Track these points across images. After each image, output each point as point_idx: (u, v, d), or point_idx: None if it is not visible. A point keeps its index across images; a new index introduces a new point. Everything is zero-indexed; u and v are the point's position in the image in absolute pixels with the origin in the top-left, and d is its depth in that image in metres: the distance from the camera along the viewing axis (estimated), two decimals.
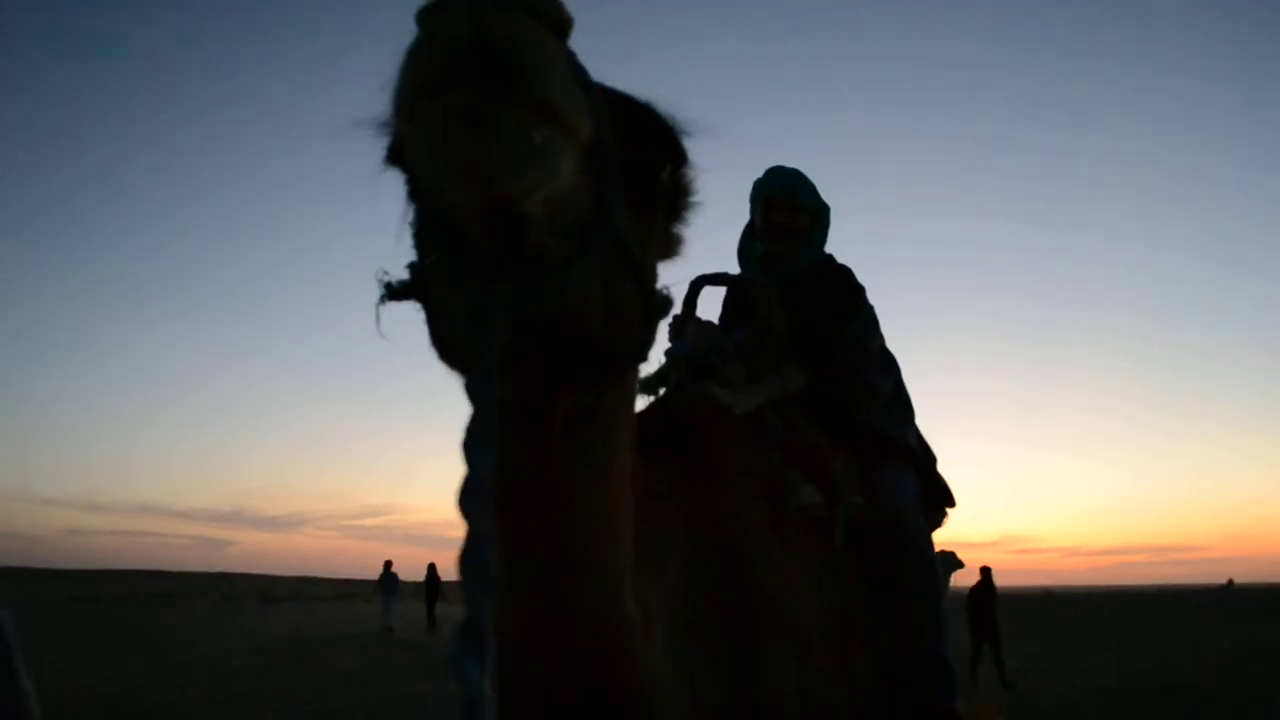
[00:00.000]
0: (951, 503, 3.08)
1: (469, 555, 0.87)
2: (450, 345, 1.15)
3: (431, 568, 31.00)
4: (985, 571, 15.78)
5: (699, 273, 2.93)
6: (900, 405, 3.09)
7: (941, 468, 3.11)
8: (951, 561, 16.27)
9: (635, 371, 1.47)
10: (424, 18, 0.95)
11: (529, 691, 1.44)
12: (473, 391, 0.98)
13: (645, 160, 1.29)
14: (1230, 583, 59.78)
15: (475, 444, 0.92)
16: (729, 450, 2.27)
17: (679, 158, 1.36)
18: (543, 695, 1.45)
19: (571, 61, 1.02)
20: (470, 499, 0.88)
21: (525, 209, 0.98)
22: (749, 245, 3.20)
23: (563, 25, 0.99)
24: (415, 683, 13.65)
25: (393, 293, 1.16)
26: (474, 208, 0.99)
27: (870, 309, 3.07)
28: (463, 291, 1.04)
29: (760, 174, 3.11)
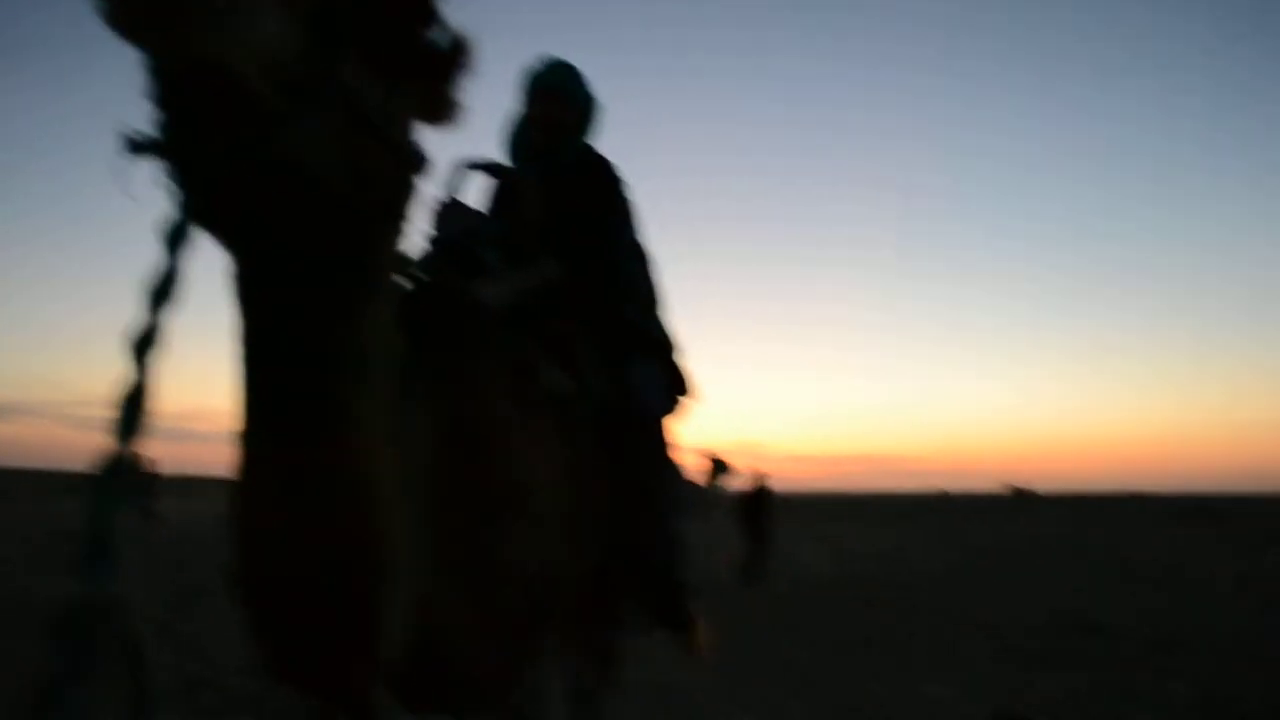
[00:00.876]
0: (694, 393, 3.23)
1: (129, 403, 0.88)
2: (208, 202, 1.16)
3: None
4: (761, 479, 16.04)
5: (465, 159, 2.92)
6: (650, 296, 3.19)
7: (686, 362, 3.25)
8: (724, 469, 16.49)
9: (391, 234, 1.49)
10: None
11: (266, 551, 1.48)
12: (167, 240, 0.98)
13: (394, 19, 1.30)
14: (944, 492, 65.82)
15: (160, 289, 0.93)
16: (481, 333, 2.33)
17: (429, 18, 1.38)
18: (286, 551, 1.48)
19: None
20: (142, 346, 0.90)
21: (236, 67, 1.00)
22: (516, 134, 3.20)
23: None
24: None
25: (135, 147, 1.13)
26: (180, 68, 1.00)
27: (629, 203, 3.14)
28: (184, 146, 1.07)
29: (533, 62, 3.10)
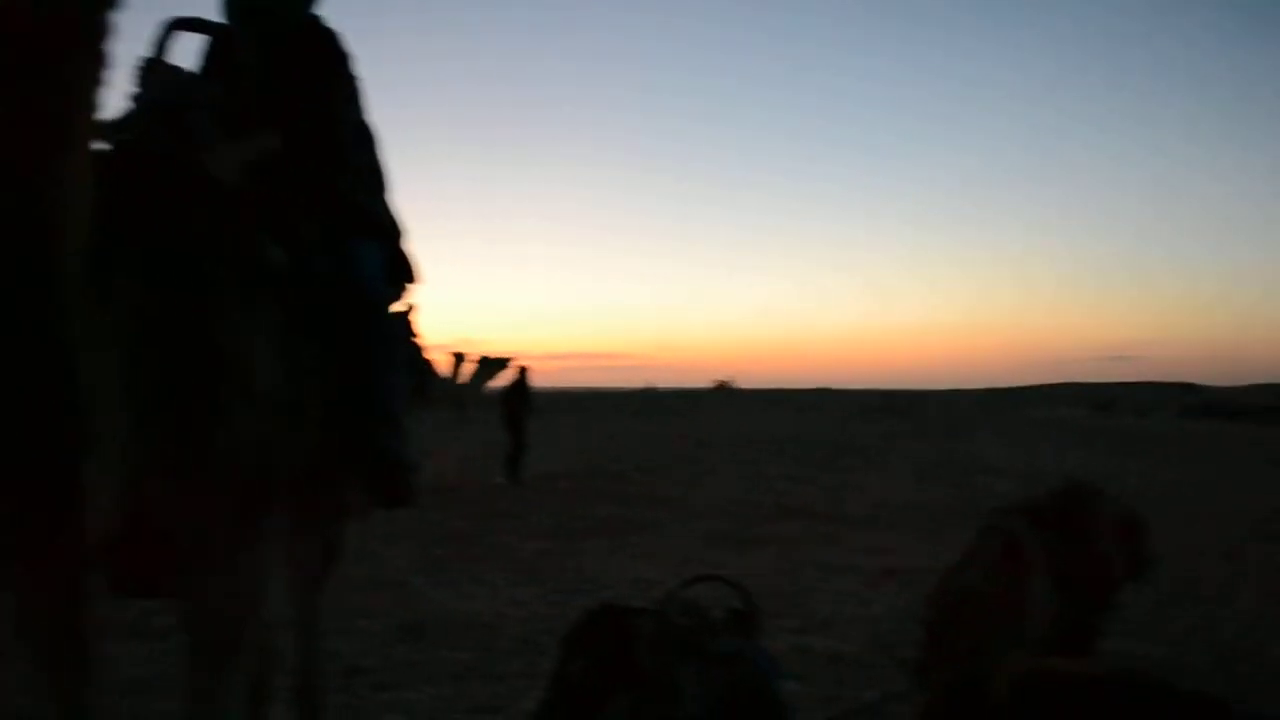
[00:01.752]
0: (415, 279, 3.21)
1: None
2: None
3: None
4: (521, 372, 15.76)
5: (174, 15, 2.70)
6: (375, 179, 3.12)
7: (410, 248, 3.22)
8: (493, 365, 15.53)
9: (82, 78, 1.41)
10: None
11: None
12: None
13: None
14: (651, 387, 68.77)
15: None
16: (193, 204, 2.21)
17: None
18: None
19: None
20: None
21: None
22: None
23: None
24: None
25: None
26: None
27: (354, 79, 3.02)
28: None
29: None
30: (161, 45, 2.63)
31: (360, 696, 4.57)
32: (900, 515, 11.35)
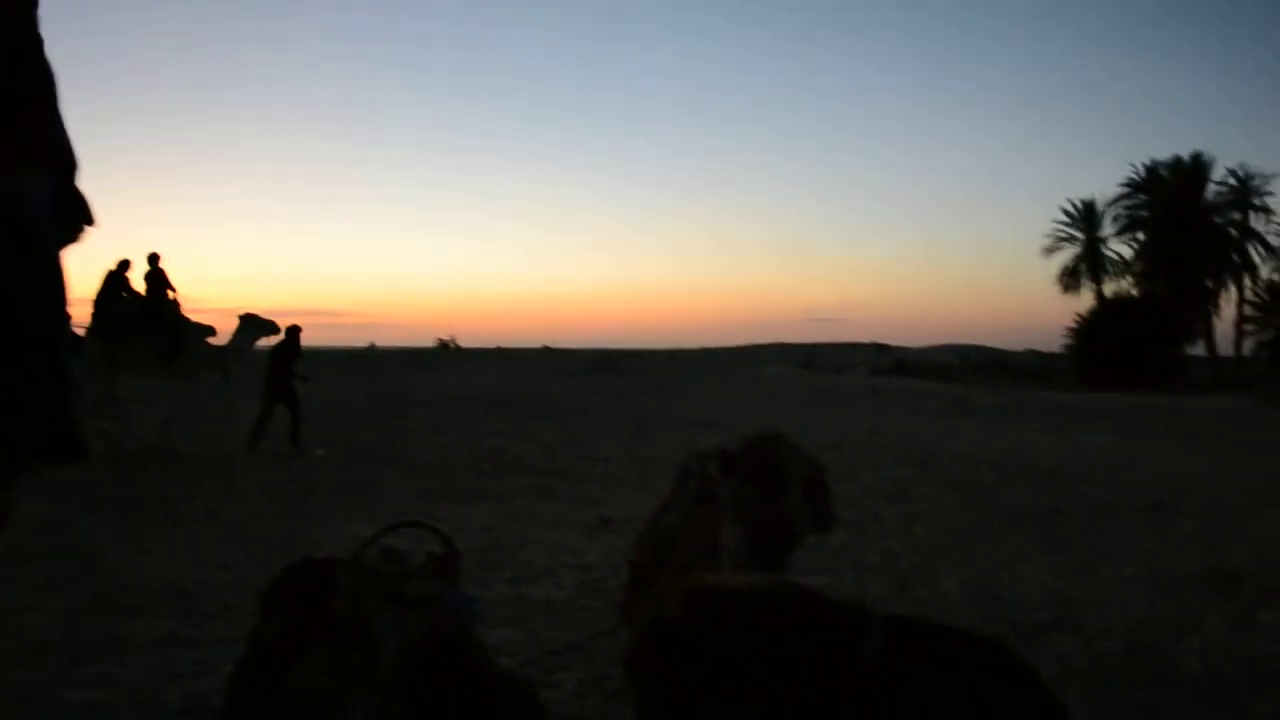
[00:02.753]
0: (90, 220, 2.99)
1: None
2: None
3: None
4: (292, 331, 14.46)
5: None
6: (41, 99, 2.85)
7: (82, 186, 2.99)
8: (257, 325, 13.97)
9: None
10: None
11: None
12: None
13: None
14: (373, 345, 67.12)
15: None
16: None
17: None
18: None
19: None
20: None
21: None
22: None
23: None
24: None
25: None
26: None
27: None
28: None
29: None
30: None
31: (51, 674, 4.26)
32: (615, 469, 11.76)
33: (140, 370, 13.60)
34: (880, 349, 61.55)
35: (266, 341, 14.53)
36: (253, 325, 14.25)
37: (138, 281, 13.73)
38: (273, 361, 13.94)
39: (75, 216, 2.93)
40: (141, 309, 13.43)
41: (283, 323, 14.61)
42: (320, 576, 2.60)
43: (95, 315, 13.47)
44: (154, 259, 13.76)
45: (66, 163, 2.92)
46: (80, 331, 13.32)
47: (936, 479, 11.08)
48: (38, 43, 2.86)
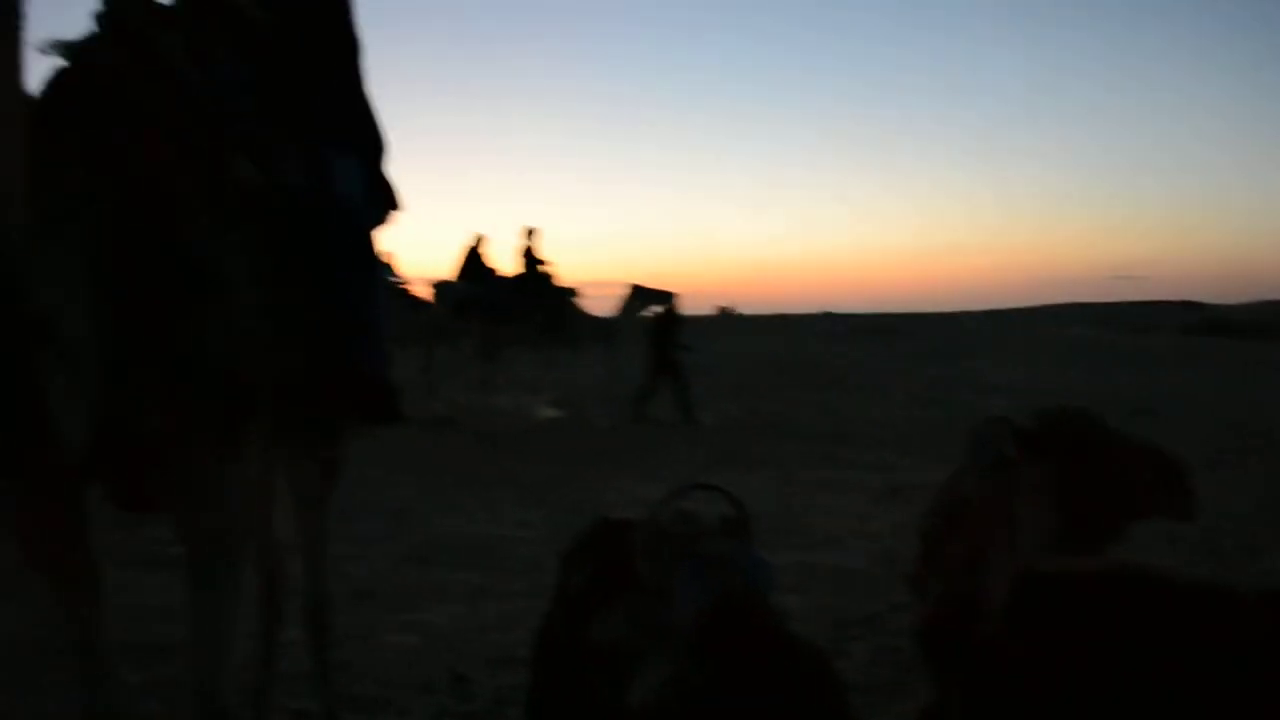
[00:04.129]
0: (396, 205, 3.17)
1: None
2: None
3: None
4: (670, 301, 13.78)
5: None
6: (357, 95, 3.05)
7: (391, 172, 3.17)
8: (645, 295, 13.67)
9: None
10: None
11: None
12: None
13: None
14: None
15: None
16: (158, 115, 2.17)
17: None
18: None
19: None
20: None
21: None
22: None
23: None
24: None
25: None
26: None
27: None
28: None
29: None
30: None
31: (372, 617, 4.66)
32: (901, 434, 11.42)
33: (523, 345, 13.63)
34: (1190, 306, 56.42)
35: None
36: (643, 296, 13.82)
37: (496, 256, 13.78)
38: (655, 332, 13.36)
39: (384, 199, 3.13)
40: (517, 283, 13.43)
41: None
42: (618, 537, 2.65)
43: (455, 292, 13.53)
44: (529, 233, 13.70)
45: (376, 146, 3.13)
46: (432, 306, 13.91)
47: (1263, 449, 10.03)
48: (355, 41, 3.06)
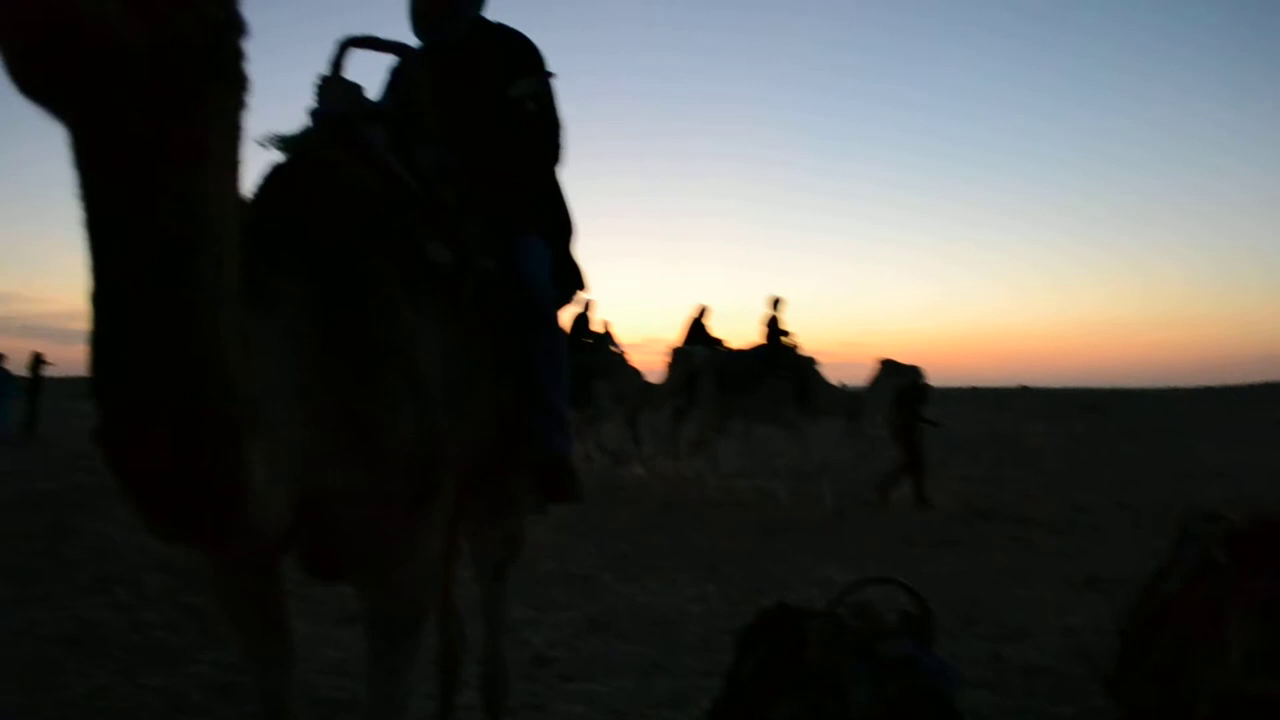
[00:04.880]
0: (582, 285, 3.27)
1: None
2: (26, 73, 1.25)
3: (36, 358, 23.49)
4: (914, 372, 13.06)
5: (348, 34, 2.86)
6: (549, 178, 3.17)
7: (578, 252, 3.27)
8: (895, 369, 12.97)
9: (225, 97, 1.53)
10: None
11: (119, 410, 1.52)
12: None
13: None
14: (842, 385, 66.95)
15: None
16: (361, 203, 2.33)
17: None
18: (137, 408, 1.52)
19: None
20: None
21: None
22: (413, 14, 3.13)
23: None
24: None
25: None
26: None
27: (543, 74, 3.07)
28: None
29: None
30: (337, 62, 2.79)
31: (546, 686, 4.71)
32: (1101, 520, 10.77)
33: (759, 417, 13.24)
34: None
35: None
36: (894, 371, 13.06)
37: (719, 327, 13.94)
38: (898, 406, 12.72)
39: (570, 279, 3.24)
40: (760, 353, 13.09)
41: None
42: (795, 625, 2.60)
43: (694, 359, 13.53)
44: (774, 302, 13.33)
45: (564, 227, 3.24)
46: (655, 379, 14.24)
47: None
48: (556, 124, 3.12)
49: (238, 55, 1.47)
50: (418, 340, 2.23)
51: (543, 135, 3.10)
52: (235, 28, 1.44)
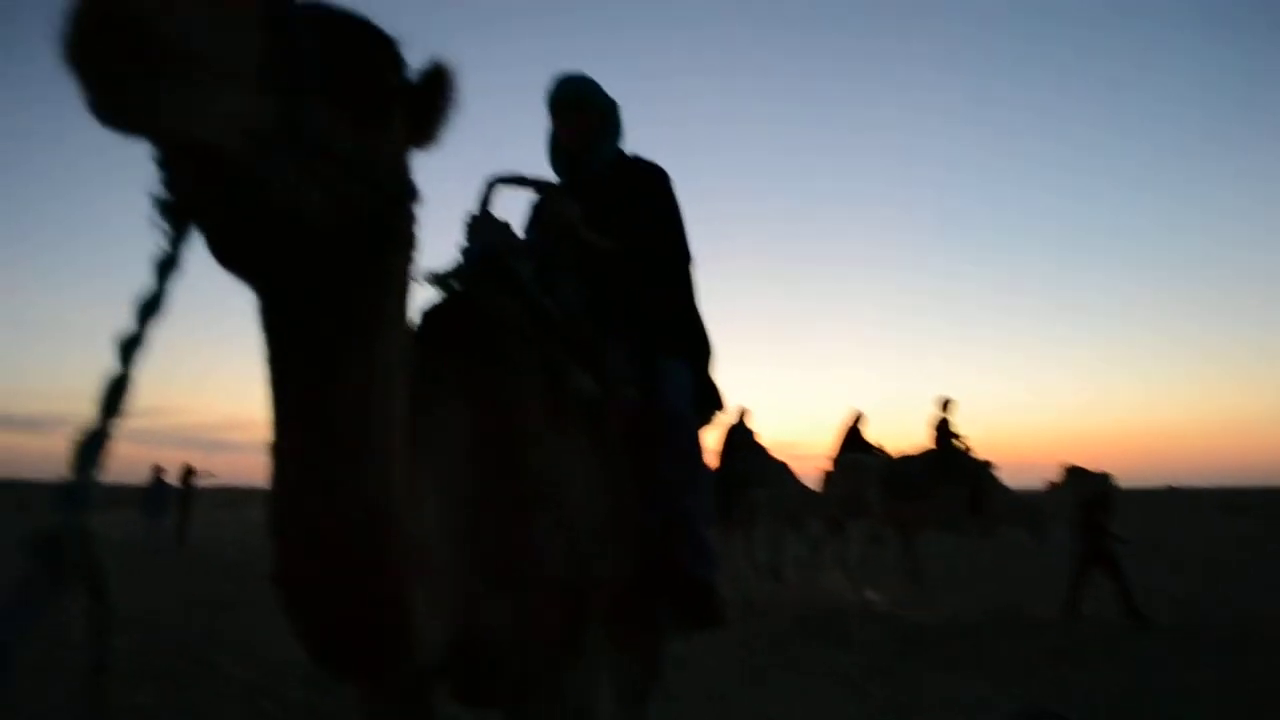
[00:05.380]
0: (721, 405, 3.31)
1: (112, 387, 1.06)
2: (219, 247, 1.34)
3: (187, 471, 24.42)
4: (1103, 480, 11.95)
5: (496, 173, 3.02)
6: (686, 301, 3.25)
7: (722, 372, 3.32)
8: (1087, 477, 12.02)
9: (398, 258, 1.62)
10: None
11: (296, 546, 1.60)
12: (157, 265, 1.21)
13: (362, 69, 1.44)
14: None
15: (149, 304, 1.12)
16: (511, 339, 2.42)
17: (391, 61, 1.51)
18: (309, 555, 1.60)
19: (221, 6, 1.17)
20: (128, 347, 1.08)
21: (206, 136, 1.17)
22: (552, 151, 3.30)
23: None
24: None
25: (160, 206, 1.30)
26: (161, 143, 1.21)
27: (673, 203, 3.19)
28: (183, 200, 1.26)
29: (549, 81, 3.21)
30: (486, 200, 2.93)
31: None
32: (1268, 629, 10.03)
33: (931, 525, 12.55)
34: None
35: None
36: (1082, 478, 12.19)
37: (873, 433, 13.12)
38: (1083, 517, 11.59)
39: (710, 401, 3.28)
40: (930, 459, 12.55)
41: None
42: None
43: (861, 468, 12.95)
44: (945, 404, 12.86)
45: (703, 350, 3.29)
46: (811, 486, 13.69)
47: None
48: (686, 251, 3.23)
49: (411, 221, 1.56)
50: (565, 470, 2.29)
51: (676, 261, 3.18)
52: (411, 197, 1.53)
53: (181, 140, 1.18)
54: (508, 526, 2.07)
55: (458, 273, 2.64)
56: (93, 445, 1.07)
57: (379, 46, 1.49)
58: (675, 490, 2.83)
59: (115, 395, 1.11)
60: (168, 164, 1.27)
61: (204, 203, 1.28)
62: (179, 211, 1.28)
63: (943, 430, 12.65)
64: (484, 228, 2.79)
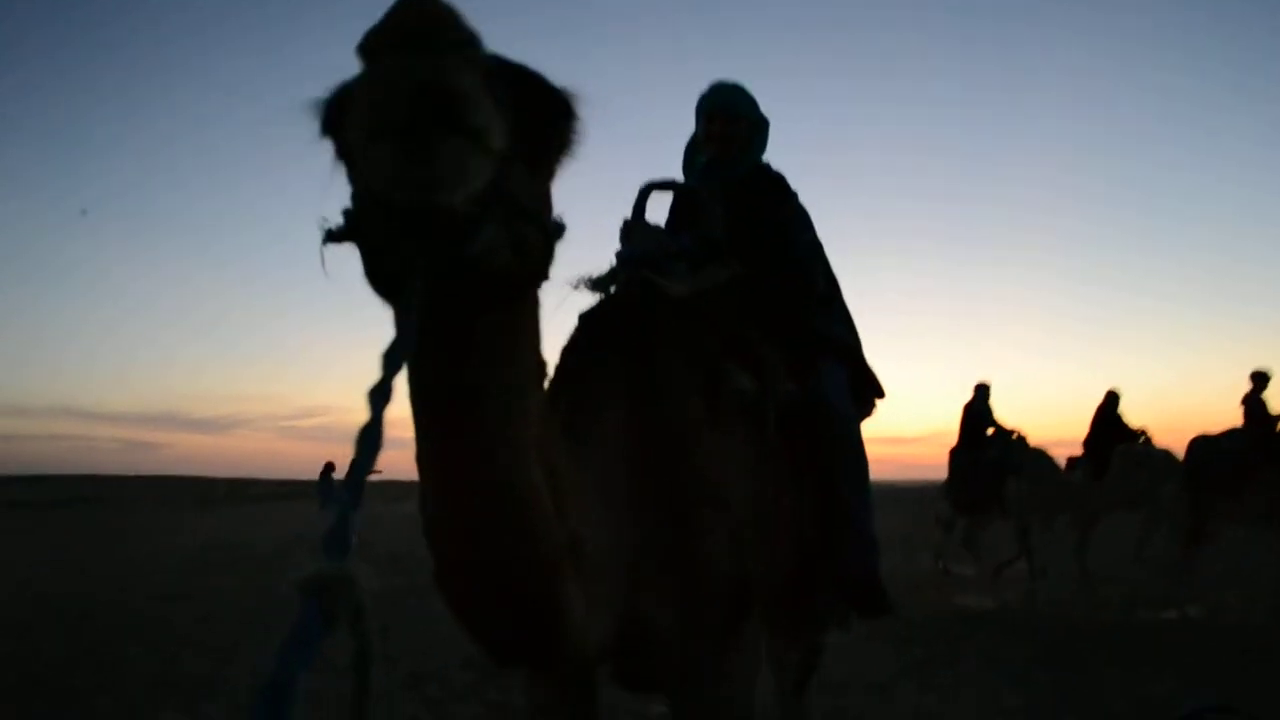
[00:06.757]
0: (880, 394, 3.30)
1: (365, 437, 1.11)
2: (381, 280, 1.39)
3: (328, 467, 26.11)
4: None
5: (648, 180, 3.08)
6: (832, 298, 3.28)
7: (876, 362, 3.31)
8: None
9: (537, 288, 1.68)
10: (369, 52, 1.18)
11: (449, 549, 1.70)
12: (399, 320, 1.28)
13: (538, 121, 1.48)
14: None
15: (393, 358, 1.17)
16: (669, 338, 2.47)
17: (568, 116, 1.56)
18: (461, 557, 1.70)
19: (489, 80, 1.25)
20: (377, 397, 1.12)
21: (453, 204, 1.25)
22: (693, 156, 3.37)
23: (476, 42, 1.25)
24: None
25: (331, 236, 1.38)
26: (408, 208, 1.25)
27: (803, 209, 3.27)
28: (398, 244, 1.31)
29: (705, 88, 3.29)
30: (639, 207, 2.99)
31: None
32: None
33: (1252, 520, 10.80)
34: None
35: None
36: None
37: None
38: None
39: (869, 392, 3.28)
40: (1244, 442, 10.59)
41: None
42: None
43: (1142, 463, 11.77)
44: (1260, 378, 10.92)
45: (852, 348, 3.28)
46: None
47: None
48: (820, 251, 3.28)
49: (554, 255, 1.61)
50: (726, 467, 2.32)
51: (820, 260, 3.21)
52: (560, 235, 1.57)
53: (437, 206, 1.24)
54: (671, 523, 2.12)
55: (613, 277, 2.69)
56: (354, 491, 1.12)
57: (557, 101, 1.53)
58: (837, 486, 2.84)
59: (368, 446, 1.14)
60: (386, 228, 1.32)
61: (420, 263, 1.32)
62: (388, 272, 1.35)
63: (1259, 408, 10.58)
64: (639, 233, 2.85)
